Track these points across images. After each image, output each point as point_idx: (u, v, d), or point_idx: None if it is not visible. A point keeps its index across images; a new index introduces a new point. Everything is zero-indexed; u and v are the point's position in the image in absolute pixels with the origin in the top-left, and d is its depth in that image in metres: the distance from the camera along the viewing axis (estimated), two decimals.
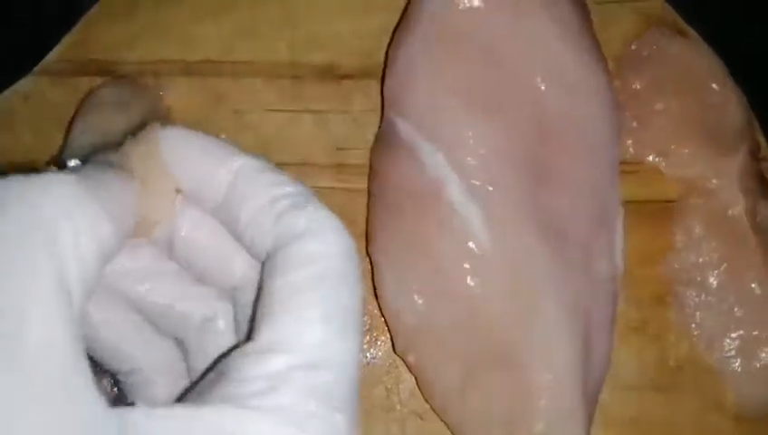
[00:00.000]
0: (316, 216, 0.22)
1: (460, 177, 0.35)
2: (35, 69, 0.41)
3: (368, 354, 0.38)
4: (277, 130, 0.41)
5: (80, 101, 0.39)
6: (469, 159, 0.35)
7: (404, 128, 0.36)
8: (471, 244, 0.35)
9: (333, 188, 0.40)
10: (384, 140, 0.38)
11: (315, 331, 0.20)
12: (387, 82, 0.37)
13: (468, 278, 0.35)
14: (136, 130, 0.24)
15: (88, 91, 0.40)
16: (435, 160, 0.35)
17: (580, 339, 0.35)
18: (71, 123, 0.39)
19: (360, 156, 0.40)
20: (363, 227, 0.39)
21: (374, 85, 0.41)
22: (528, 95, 0.36)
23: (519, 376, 0.34)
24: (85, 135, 0.38)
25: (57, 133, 0.40)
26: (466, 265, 0.35)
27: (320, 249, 0.21)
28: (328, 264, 0.21)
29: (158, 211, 0.24)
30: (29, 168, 0.40)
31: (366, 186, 0.39)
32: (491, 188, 0.35)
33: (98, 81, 0.40)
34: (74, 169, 0.22)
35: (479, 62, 0.36)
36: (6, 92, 0.41)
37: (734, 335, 0.38)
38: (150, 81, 0.40)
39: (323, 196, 0.39)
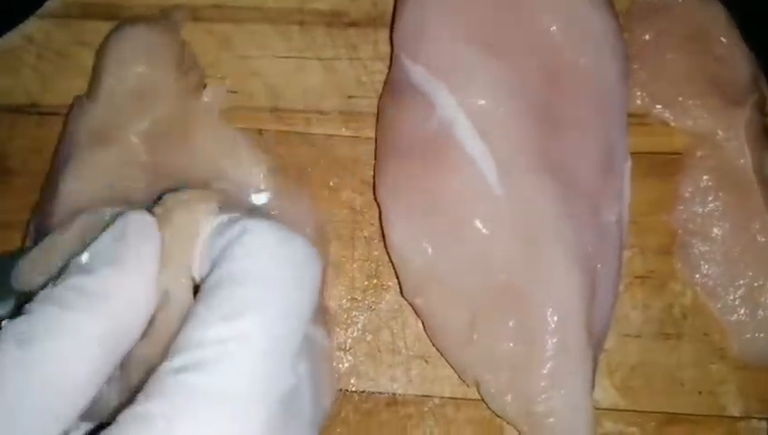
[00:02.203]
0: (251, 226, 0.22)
1: (471, 119, 0.35)
2: (40, 11, 0.41)
3: (374, 299, 0.38)
4: (285, 76, 0.40)
5: (101, 43, 0.39)
6: (480, 101, 0.35)
7: (414, 70, 0.36)
8: (481, 187, 0.35)
9: (341, 136, 0.40)
10: (394, 84, 0.37)
11: (209, 332, 0.19)
12: (397, 24, 0.37)
13: (477, 221, 0.35)
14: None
15: (106, 34, 0.39)
16: (445, 102, 0.35)
17: (587, 284, 0.35)
18: (96, 63, 0.38)
19: (368, 104, 0.40)
20: (370, 174, 0.39)
21: (381, 34, 0.41)
22: (540, 40, 0.36)
23: (526, 319, 0.34)
24: (112, 80, 0.37)
25: (60, 76, 0.40)
26: (476, 209, 0.35)
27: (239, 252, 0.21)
28: (242, 265, 0.21)
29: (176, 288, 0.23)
30: (30, 109, 0.40)
31: (374, 134, 0.39)
32: (502, 132, 0.35)
33: (102, 24, 0.40)
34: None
35: (492, 5, 0.36)
36: (11, 34, 0.40)
37: (737, 284, 0.38)
38: (165, 22, 0.40)
39: (331, 144, 0.40)
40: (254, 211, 0.34)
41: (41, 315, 0.20)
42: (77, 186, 0.35)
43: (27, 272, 0.26)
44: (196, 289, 0.23)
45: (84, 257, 0.22)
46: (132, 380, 0.23)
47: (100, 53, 0.38)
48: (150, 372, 0.20)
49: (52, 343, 0.19)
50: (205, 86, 0.39)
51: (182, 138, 0.37)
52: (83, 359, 0.20)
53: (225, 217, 0.23)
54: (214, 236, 0.23)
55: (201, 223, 0.23)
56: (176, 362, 0.19)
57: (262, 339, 0.19)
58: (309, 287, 0.21)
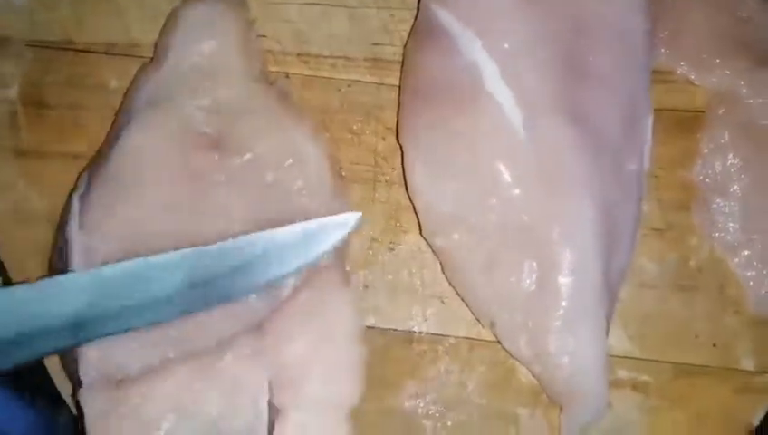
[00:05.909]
0: None
1: (496, 63, 0.35)
2: None
3: (394, 240, 0.39)
4: (312, 22, 0.41)
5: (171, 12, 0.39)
6: (507, 45, 0.36)
7: (442, 15, 0.37)
8: (504, 130, 0.35)
9: (366, 82, 0.41)
10: (421, 29, 0.38)
11: None
12: None
13: (500, 164, 0.35)
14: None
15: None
16: (472, 46, 0.36)
17: (605, 229, 0.35)
18: (164, 32, 0.39)
19: (393, 52, 0.41)
20: (394, 120, 0.39)
21: None
22: None
23: (543, 260, 0.35)
24: (179, 51, 0.38)
25: (95, 15, 0.41)
26: (499, 151, 0.35)
27: None
28: None
29: None
30: (66, 45, 0.40)
31: (398, 82, 0.40)
32: (527, 76, 0.36)
33: None
34: None
35: None
36: None
37: (754, 240, 0.38)
38: None
39: (355, 89, 0.41)
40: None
41: None
42: (139, 140, 0.36)
43: None
44: None
45: None
46: None
47: (169, 21, 0.39)
48: None
49: None
50: (273, 82, 0.39)
51: (246, 118, 0.38)
52: None
53: None
54: None
55: None
56: None
57: None
58: None
